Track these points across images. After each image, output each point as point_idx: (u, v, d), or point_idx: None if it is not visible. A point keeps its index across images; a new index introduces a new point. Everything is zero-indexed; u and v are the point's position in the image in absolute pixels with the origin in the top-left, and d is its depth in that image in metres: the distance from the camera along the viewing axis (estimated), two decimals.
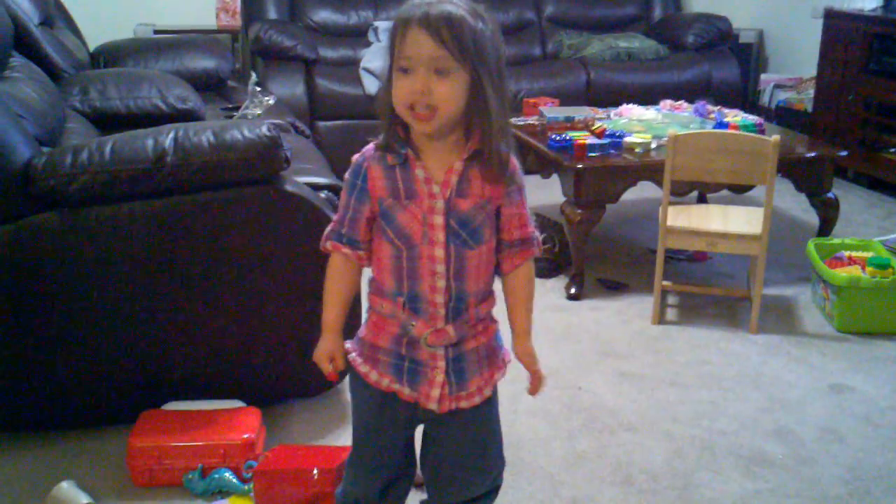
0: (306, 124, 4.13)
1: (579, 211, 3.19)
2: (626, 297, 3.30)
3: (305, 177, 2.59)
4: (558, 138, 3.36)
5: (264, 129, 2.18)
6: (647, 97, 4.43)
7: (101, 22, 4.90)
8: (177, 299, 2.21)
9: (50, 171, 2.07)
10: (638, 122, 3.67)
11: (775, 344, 2.92)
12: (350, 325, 1.57)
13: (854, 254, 3.16)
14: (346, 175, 1.49)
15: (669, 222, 2.96)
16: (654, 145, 3.35)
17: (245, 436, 2.12)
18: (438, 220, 1.42)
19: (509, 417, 2.38)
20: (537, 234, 1.55)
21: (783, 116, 5.24)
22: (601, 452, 2.28)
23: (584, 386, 2.62)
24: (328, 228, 1.53)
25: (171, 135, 2.14)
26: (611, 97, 4.69)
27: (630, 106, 3.92)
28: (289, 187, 2.24)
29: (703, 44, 5.40)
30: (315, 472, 1.97)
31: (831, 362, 2.80)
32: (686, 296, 3.29)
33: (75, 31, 4.13)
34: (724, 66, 5.33)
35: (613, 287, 3.38)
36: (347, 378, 1.60)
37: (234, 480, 2.07)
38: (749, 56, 5.87)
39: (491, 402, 1.58)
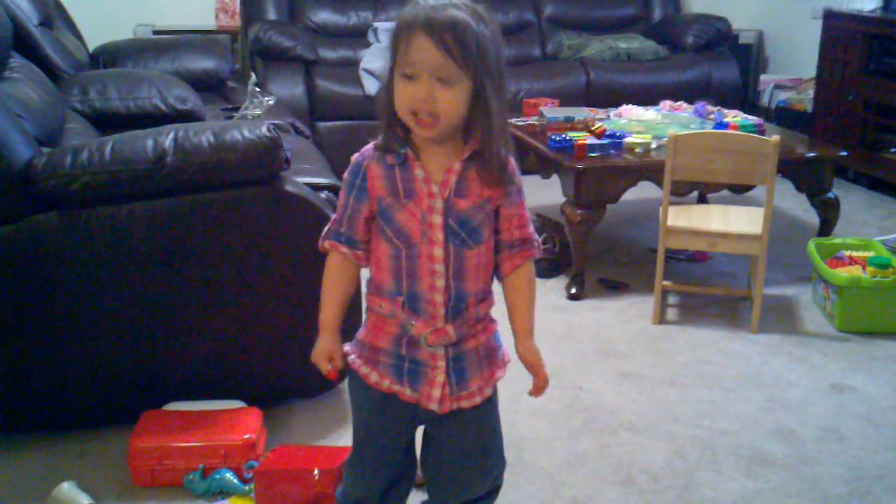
0: (306, 125, 4.13)
1: (579, 211, 3.19)
2: (627, 297, 3.30)
3: (305, 177, 2.59)
4: (558, 139, 3.36)
5: (264, 130, 2.18)
6: (647, 98, 4.43)
7: (101, 22, 4.90)
8: (177, 299, 2.21)
9: (50, 171, 2.07)
10: (638, 123, 3.67)
11: (776, 344, 2.92)
12: (351, 327, 1.57)
13: (854, 253, 3.16)
14: (345, 174, 1.49)
15: (670, 222, 2.96)
16: (654, 145, 3.35)
17: (246, 436, 2.12)
18: (437, 219, 1.42)
19: (510, 417, 2.38)
20: (537, 235, 1.55)
21: (783, 117, 5.24)
22: (602, 452, 2.28)
23: (585, 386, 2.62)
24: (326, 228, 1.53)
25: (171, 135, 2.14)
26: (610, 98, 4.69)
27: (630, 106, 3.92)
28: (289, 188, 2.24)
29: (702, 44, 5.40)
30: (316, 472, 1.97)
31: (832, 362, 2.79)
32: (687, 296, 3.29)
33: (75, 31, 4.13)
34: (723, 67, 5.33)
35: (614, 287, 3.38)
36: (347, 380, 1.60)
37: (235, 481, 2.07)
38: (749, 57, 5.87)
39: (491, 402, 1.58)
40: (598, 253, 3.67)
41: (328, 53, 5.05)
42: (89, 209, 2.10)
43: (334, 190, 2.64)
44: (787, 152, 3.29)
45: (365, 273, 1.55)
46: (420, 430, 1.62)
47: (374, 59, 4.84)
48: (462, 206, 1.43)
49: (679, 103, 4.01)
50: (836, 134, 4.76)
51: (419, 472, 1.67)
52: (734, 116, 3.72)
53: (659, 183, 3.04)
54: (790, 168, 3.36)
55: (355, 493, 1.64)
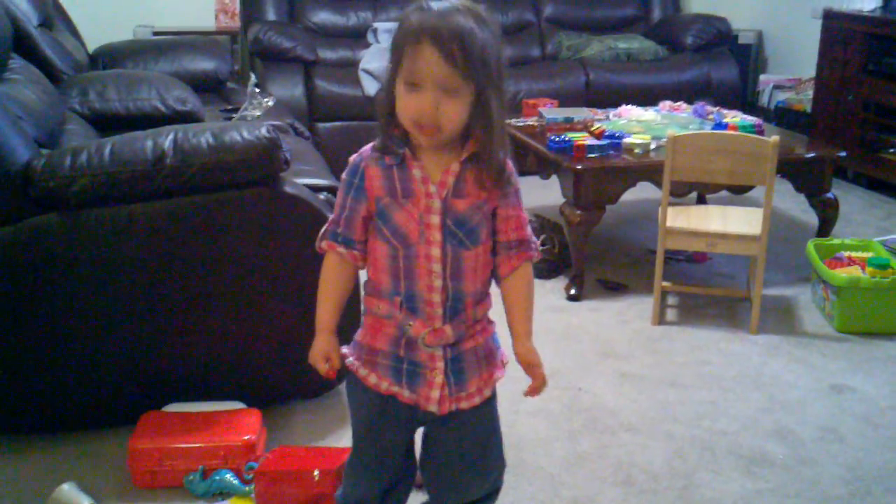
0: (305, 126, 4.13)
1: (579, 212, 3.19)
2: (626, 297, 3.30)
3: (305, 178, 2.59)
4: (557, 139, 3.36)
5: (263, 131, 2.18)
6: (646, 98, 4.44)
7: (100, 23, 4.91)
8: (177, 301, 2.21)
9: (49, 172, 2.07)
10: (637, 123, 3.67)
11: (775, 344, 2.92)
12: (349, 330, 1.57)
13: (854, 254, 3.16)
14: (343, 175, 1.49)
15: (669, 223, 2.96)
16: (653, 146, 3.35)
17: (246, 437, 2.12)
18: (435, 219, 1.42)
19: (510, 418, 2.38)
20: (535, 237, 1.54)
21: (782, 117, 5.25)
22: (602, 453, 2.28)
23: (585, 387, 2.62)
24: (323, 228, 1.53)
25: (171, 136, 2.14)
26: (610, 98, 4.69)
27: (629, 107, 3.92)
28: (288, 189, 2.24)
29: (702, 45, 5.40)
30: (316, 473, 1.97)
31: (831, 362, 2.80)
32: (686, 296, 3.29)
33: (74, 32, 4.13)
34: (723, 67, 5.34)
35: (613, 288, 3.38)
36: (345, 382, 1.60)
37: (235, 482, 2.07)
38: (748, 57, 5.87)
39: (491, 403, 1.58)
40: (597, 254, 3.67)
41: (327, 54, 5.05)
42: (88, 210, 2.10)
43: (333, 191, 2.64)
44: (787, 153, 3.29)
45: (363, 275, 1.55)
46: (420, 432, 1.62)
47: (373, 59, 4.85)
48: (460, 206, 1.43)
49: (678, 104, 4.01)
50: (835, 134, 4.77)
51: (419, 473, 1.67)
52: (733, 117, 3.73)
53: (658, 184, 3.04)
54: (789, 168, 3.36)
55: (355, 494, 1.64)
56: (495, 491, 1.66)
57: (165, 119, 3.09)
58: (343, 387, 1.71)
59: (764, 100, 5.60)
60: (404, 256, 1.44)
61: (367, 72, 4.80)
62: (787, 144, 3.45)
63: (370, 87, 4.74)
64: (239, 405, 2.27)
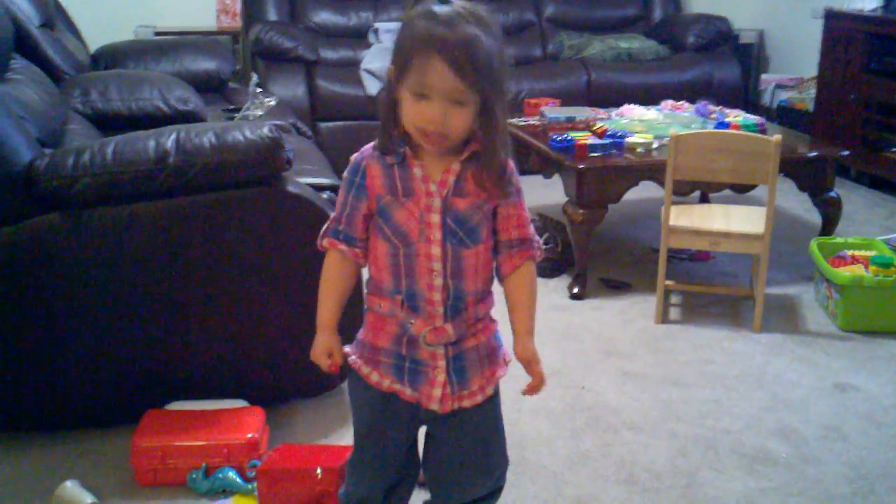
0: (307, 125, 4.13)
1: (581, 211, 3.19)
2: (629, 296, 3.30)
3: (307, 177, 2.60)
4: (560, 139, 3.36)
5: (266, 130, 2.18)
6: (648, 97, 4.43)
7: (102, 24, 4.90)
8: (180, 299, 2.21)
9: (52, 172, 2.07)
10: (639, 123, 3.67)
11: (778, 343, 2.92)
12: (352, 328, 1.57)
13: (857, 253, 3.16)
14: (345, 173, 1.49)
15: (672, 222, 2.96)
16: (655, 145, 3.35)
17: (249, 435, 2.12)
18: (435, 218, 1.42)
19: (513, 417, 2.38)
20: (538, 236, 1.54)
21: (784, 116, 5.24)
22: (605, 451, 2.28)
23: (588, 385, 2.62)
24: (325, 226, 1.53)
25: (173, 136, 2.15)
26: (612, 97, 4.69)
27: (631, 106, 3.92)
28: (290, 188, 2.24)
29: (703, 44, 5.40)
30: (318, 471, 1.97)
31: (835, 361, 2.79)
32: (689, 295, 3.29)
33: (76, 32, 4.14)
34: (724, 67, 5.33)
35: (616, 286, 3.38)
36: (347, 381, 1.60)
37: (238, 480, 2.07)
38: (750, 56, 5.87)
39: (493, 402, 1.58)
40: (599, 253, 3.67)
41: (329, 54, 5.05)
42: (91, 210, 2.11)
43: (336, 190, 2.64)
44: (789, 152, 3.29)
45: (365, 273, 1.55)
46: (423, 431, 1.62)
47: (374, 59, 4.85)
48: (460, 205, 1.43)
49: (680, 103, 4.01)
50: (837, 133, 4.76)
51: (422, 471, 1.67)
52: (735, 116, 3.72)
53: (660, 183, 3.04)
54: (792, 167, 3.36)
55: (358, 493, 1.64)
56: (498, 489, 1.66)
57: (167, 119, 3.09)
58: (345, 385, 1.71)
59: (766, 99, 5.59)
60: (405, 255, 1.45)
61: (369, 71, 4.81)
62: (790, 143, 3.45)
63: (372, 86, 4.74)
64: (242, 403, 2.27)
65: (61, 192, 2.07)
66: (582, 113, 3.79)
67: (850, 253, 3.15)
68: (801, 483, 2.16)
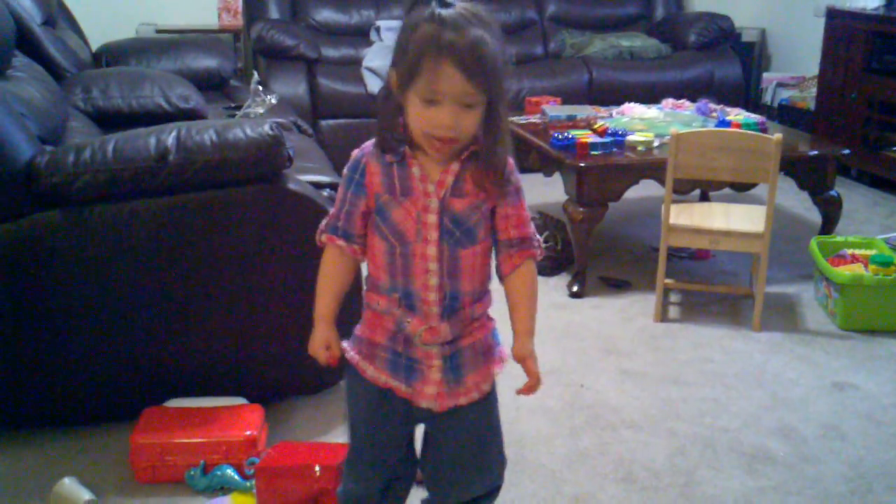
0: (308, 123, 4.13)
1: (581, 209, 3.19)
2: (629, 294, 3.30)
3: (308, 175, 2.60)
4: (561, 137, 3.36)
5: (267, 128, 2.18)
6: (650, 96, 4.43)
7: (104, 22, 4.91)
8: (179, 297, 2.22)
9: (53, 169, 2.07)
10: (640, 121, 3.67)
11: (778, 342, 2.92)
12: (351, 324, 1.57)
13: (857, 252, 3.15)
14: (345, 170, 1.49)
15: (672, 220, 2.96)
16: (656, 144, 3.35)
17: (247, 433, 2.13)
18: (432, 218, 1.42)
19: (511, 415, 2.39)
20: (538, 235, 1.54)
21: (785, 115, 5.24)
22: (603, 450, 2.28)
23: (587, 383, 2.63)
24: (324, 221, 1.53)
25: (174, 133, 2.15)
26: (613, 96, 4.69)
27: (632, 104, 3.91)
28: (291, 186, 2.24)
29: (705, 42, 5.39)
30: (317, 468, 1.97)
31: (834, 360, 2.79)
32: (688, 294, 3.29)
33: (77, 30, 4.14)
34: (726, 65, 5.33)
35: (616, 285, 3.38)
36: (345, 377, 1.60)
37: (237, 477, 2.07)
38: (751, 55, 5.86)
39: (490, 400, 1.58)
40: (599, 251, 3.67)
41: (330, 52, 5.05)
42: (91, 207, 2.11)
43: (336, 188, 2.64)
44: (790, 150, 3.29)
45: (364, 270, 1.55)
46: (421, 430, 1.62)
47: (376, 57, 4.85)
48: (458, 206, 1.43)
49: (681, 101, 4.00)
50: (838, 132, 4.76)
51: (419, 469, 1.67)
52: (736, 114, 3.72)
53: (661, 181, 3.04)
54: (792, 166, 3.36)
55: (355, 490, 1.64)
56: (496, 488, 1.66)
57: (168, 116, 3.09)
58: (344, 383, 1.72)
59: (767, 98, 5.59)
60: (401, 254, 1.45)
61: (371, 70, 4.81)
62: (791, 142, 3.45)
63: (373, 84, 4.74)
64: (241, 401, 2.27)
65: (62, 189, 2.08)
66: (583, 111, 3.79)
67: (849, 252, 3.15)
68: (800, 482, 2.16)
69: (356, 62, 4.94)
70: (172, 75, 3.51)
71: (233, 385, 2.31)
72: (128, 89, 3.24)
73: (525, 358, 1.52)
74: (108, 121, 3.10)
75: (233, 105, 3.79)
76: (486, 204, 1.46)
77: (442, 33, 1.30)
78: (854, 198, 4.44)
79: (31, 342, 2.17)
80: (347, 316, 1.58)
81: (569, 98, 4.42)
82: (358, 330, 1.55)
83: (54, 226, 2.10)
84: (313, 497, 1.97)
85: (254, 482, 2.03)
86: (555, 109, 3.80)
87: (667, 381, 2.64)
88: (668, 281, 3.09)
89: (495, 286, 1.54)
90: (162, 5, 5.33)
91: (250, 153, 2.15)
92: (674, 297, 3.28)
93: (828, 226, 3.47)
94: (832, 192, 3.42)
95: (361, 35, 5.21)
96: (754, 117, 3.69)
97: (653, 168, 3.20)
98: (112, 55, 3.98)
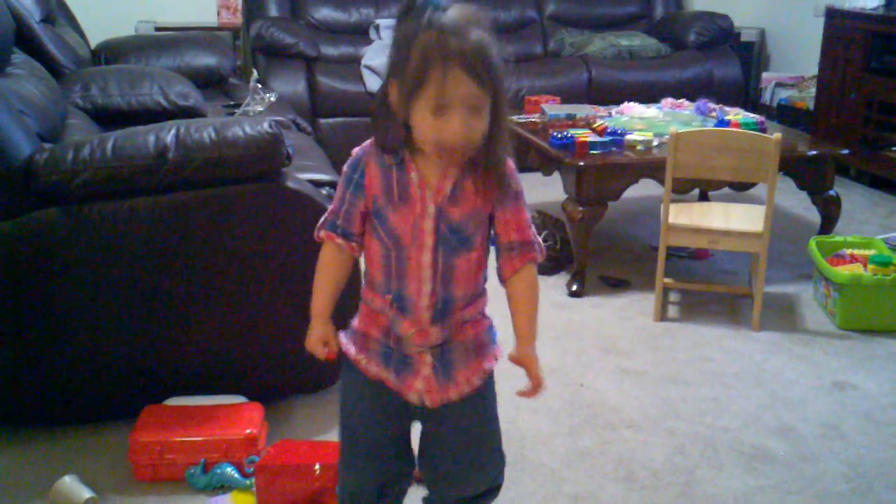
0: (308, 121, 4.13)
1: (581, 208, 3.19)
2: (628, 294, 3.30)
3: (307, 173, 2.59)
4: (560, 136, 3.36)
5: (266, 126, 2.18)
6: (649, 95, 4.42)
7: (103, 19, 4.90)
8: (179, 295, 2.21)
9: (52, 167, 2.07)
10: (639, 120, 3.67)
11: (777, 341, 2.92)
12: (348, 318, 1.57)
13: (856, 252, 3.16)
14: (345, 168, 1.49)
15: (671, 220, 2.96)
16: (655, 143, 3.35)
17: (247, 431, 2.13)
18: (428, 224, 1.42)
19: (511, 414, 2.38)
20: (539, 239, 1.53)
21: (785, 115, 5.24)
22: (603, 449, 2.28)
23: (586, 383, 2.63)
24: (323, 218, 1.53)
25: (173, 131, 2.14)
26: (612, 95, 4.69)
27: (631, 104, 3.92)
28: (290, 184, 2.24)
29: (704, 42, 5.39)
30: (317, 467, 1.97)
31: (833, 359, 2.80)
32: (688, 293, 3.29)
33: (77, 28, 4.13)
34: (725, 65, 5.33)
35: (615, 284, 3.38)
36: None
37: (236, 475, 2.07)
38: (750, 54, 5.87)
39: (484, 397, 1.57)
40: (599, 250, 3.67)
41: (330, 50, 5.05)
42: (90, 205, 2.10)
43: (335, 186, 2.63)
44: (789, 150, 3.29)
45: (363, 265, 1.55)
46: (418, 429, 1.62)
47: (375, 55, 4.85)
48: (455, 213, 1.42)
49: (681, 101, 4.01)
50: (837, 132, 4.76)
51: (418, 467, 1.67)
52: (736, 114, 3.72)
53: (660, 180, 3.04)
54: (792, 166, 3.36)
55: (350, 487, 1.65)
56: (496, 487, 1.66)
57: (167, 114, 3.08)
58: None
59: (766, 97, 5.59)
60: (396, 258, 1.45)
61: (370, 68, 4.81)
62: (790, 142, 3.45)
63: (372, 83, 4.74)
64: (240, 399, 2.27)
65: (61, 187, 2.07)
66: (582, 110, 3.79)
67: (849, 252, 3.15)
68: (800, 481, 2.16)
69: (355, 60, 4.93)
70: (171, 73, 3.50)
71: (233, 383, 2.31)
72: (127, 87, 3.23)
73: (527, 361, 1.52)
74: (107, 118, 3.09)
75: (232, 103, 3.78)
76: (484, 211, 1.45)
77: (446, 40, 1.28)
78: (853, 198, 4.44)
79: (30, 340, 2.17)
80: (344, 311, 1.58)
81: (568, 97, 4.42)
82: (354, 323, 1.55)
83: (53, 223, 2.10)
84: (313, 495, 1.97)
85: (254, 480, 2.03)
86: (554, 108, 3.80)
87: (666, 381, 2.64)
88: (667, 280, 3.09)
89: (495, 286, 1.54)
90: (161, 3, 5.32)
91: (249, 151, 2.14)
92: (673, 297, 3.28)
93: (827, 226, 3.47)
94: (831, 192, 3.43)
95: (361, 33, 5.21)
96: (753, 117, 3.69)
97: (652, 167, 3.20)
98: (111, 53, 3.97)
